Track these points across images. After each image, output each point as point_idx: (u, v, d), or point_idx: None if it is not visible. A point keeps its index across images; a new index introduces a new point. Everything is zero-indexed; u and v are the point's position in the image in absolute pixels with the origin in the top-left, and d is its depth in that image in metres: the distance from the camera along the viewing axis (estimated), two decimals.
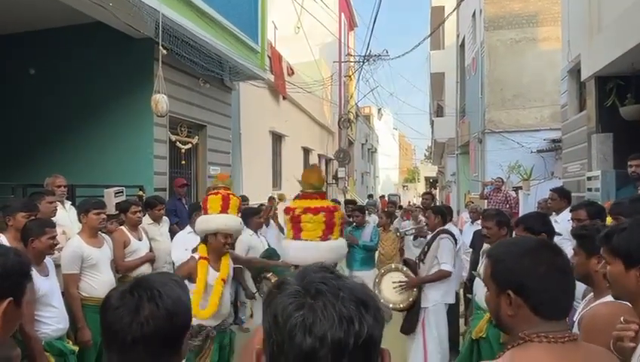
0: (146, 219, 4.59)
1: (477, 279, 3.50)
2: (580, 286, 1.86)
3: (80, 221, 3.67)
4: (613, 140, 6.40)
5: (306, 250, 2.19)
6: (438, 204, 10.45)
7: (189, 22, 5.86)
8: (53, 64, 6.33)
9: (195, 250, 4.12)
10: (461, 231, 6.14)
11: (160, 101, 5.19)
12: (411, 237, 6.18)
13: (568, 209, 4.09)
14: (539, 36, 12.68)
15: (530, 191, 9.59)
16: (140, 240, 4.19)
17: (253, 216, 4.94)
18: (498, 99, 12.97)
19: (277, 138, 11.74)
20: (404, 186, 51.68)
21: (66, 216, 4.14)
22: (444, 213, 4.39)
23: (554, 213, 4.41)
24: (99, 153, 6.16)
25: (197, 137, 7.34)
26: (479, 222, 5.18)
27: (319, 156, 16.39)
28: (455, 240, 4.20)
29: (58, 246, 3.17)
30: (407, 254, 6.04)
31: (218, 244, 3.02)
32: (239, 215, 3.21)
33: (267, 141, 11.02)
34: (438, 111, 22.67)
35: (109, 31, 5.63)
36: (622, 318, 1.36)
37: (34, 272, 2.67)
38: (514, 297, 1.13)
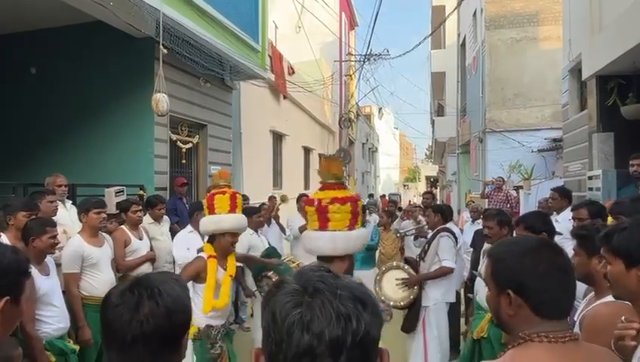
0: (147, 219, 4.59)
1: (478, 279, 3.50)
2: (581, 286, 1.86)
3: (80, 220, 3.67)
4: (615, 139, 6.40)
5: (336, 240, 2.19)
6: (438, 203, 10.45)
7: (189, 21, 5.85)
8: (53, 63, 6.34)
9: (200, 250, 4.14)
10: (462, 230, 6.13)
11: (160, 100, 5.19)
12: (412, 237, 6.18)
13: (569, 208, 4.09)
14: (540, 35, 12.67)
15: (530, 190, 9.59)
16: (140, 239, 4.19)
17: (253, 215, 4.94)
18: (499, 99, 12.95)
19: (277, 137, 11.74)
20: (404, 186, 51.68)
21: (66, 216, 4.14)
22: (444, 212, 4.39)
23: (555, 213, 4.40)
24: (99, 152, 6.16)
25: (197, 136, 7.34)
26: (480, 221, 5.17)
27: (320, 155, 16.38)
28: (455, 238, 4.19)
29: (59, 246, 3.17)
30: (407, 254, 6.04)
31: (226, 244, 3.05)
32: None
33: (268, 140, 11.02)
34: (439, 111, 22.65)
35: (110, 30, 5.63)
36: (623, 318, 1.36)
37: (35, 271, 2.67)
38: (514, 297, 1.13)
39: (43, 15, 5.81)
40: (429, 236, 4.47)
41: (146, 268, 4.06)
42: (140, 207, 4.35)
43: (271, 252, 3.81)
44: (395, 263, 4.28)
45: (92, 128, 6.23)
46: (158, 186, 6.19)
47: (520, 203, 9.28)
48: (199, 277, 2.95)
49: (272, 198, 7.31)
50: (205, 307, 2.89)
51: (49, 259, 3.05)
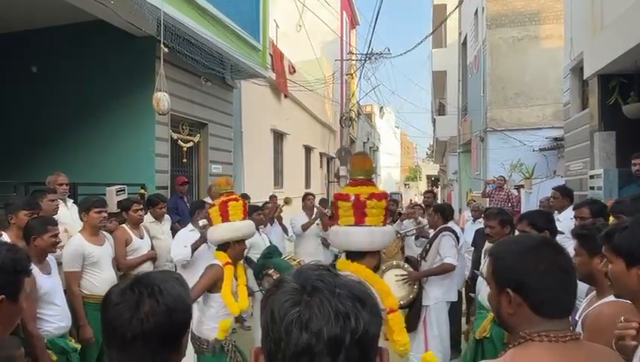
0: (148, 217, 4.60)
1: (480, 278, 3.49)
2: (583, 285, 1.86)
3: (81, 219, 3.68)
4: (616, 138, 6.39)
5: (373, 235, 2.22)
6: (439, 202, 10.43)
7: (190, 20, 5.85)
8: (54, 62, 6.34)
9: (195, 247, 4.12)
10: (463, 229, 6.13)
11: (161, 99, 5.19)
12: (413, 237, 6.17)
13: (571, 207, 4.09)
14: (541, 34, 12.64)
15: (532, 189, 9.58)
16: (141, 238, 4.19)
17: (254, 213, 4.94)
18: (500, 98, 12.94)
19: (278, 136, 11.73)
20: (405, 185, 51.63)
21: (67, 214, 4.15)
22: (445, 211, 4.39)
23: (556, 212, 4.40)
24: (100, 151, 6.17)
25: (198, 135, 7.34)
26: (481, 220, 5.17)
27: (321, 154, 16.37)
28: (457, 237, 4.19)
29: (60, 245, 3.18)
30: (409, 253, 6.04)
31: (240, 251, 3.07)
32: None
33: (268, 139, 11.01)
34: (440, 110, 22.63)
35: (111, 29, 5.63)
36: (622, 317, 1.36)
37: (36, 270, 2.68)
38: (513, 295, 1.13)
39: (44, 14, 5.81)
40: (430, 235, 4.47)
41: (147, 267, 4.06)
42: (141, 206, 4.35)
43: (272, 250, 3.80)
44: (395, 262, 4.27)
45: (93, 127, 6.23)
46: (159, 185, 6.20)
47: (521, 202, 9.27)
48: (215, 286, 2.91)
49: (273, 197, 7.31)
50: (234, 310, 2.85)
51: (50, 258, 3.05)
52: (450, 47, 19.94)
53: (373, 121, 30.30)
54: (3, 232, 3.21)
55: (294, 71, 11.83)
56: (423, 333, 4.01)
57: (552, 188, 4.88)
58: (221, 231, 3.04)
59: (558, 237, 2.89)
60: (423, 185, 45.04)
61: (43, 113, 6.39)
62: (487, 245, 3.57)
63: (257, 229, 4.97)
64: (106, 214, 3.70)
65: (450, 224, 4.36)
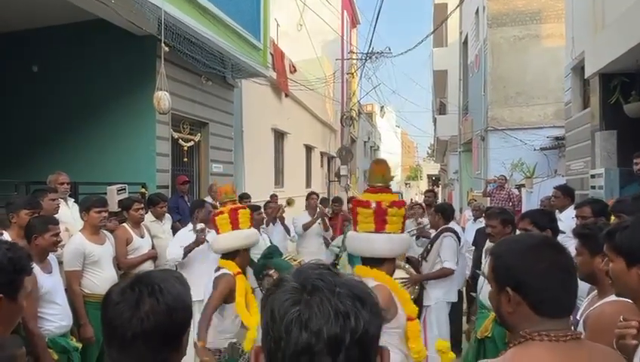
0: (149, 217, 4.60)
1: (481, 277, 3.49)
2: (585, 284, 1.85)
3: (82, 218, 3.68)
4: (617, 138, 6.37)
5: (393, 242, 2.27)
6: (440, 201, 10.42)
7: (191, 19, 5.85)
8: (55, 62, 6.34)
9: (189, 250, 4.09)
10: (464, 228, 6.13)
11: (162, 98, 5.19)
12: (414, 237, 6.16)
13: (572, 207, 4.08)
14: (542, 33, 12.62)
15: (533, 188, 9.57)
16: (142, 237, 4.19)
17: (254, 212, 4.94)
18: (501, 97, 12.92)
19: (279, 135, 11.73)
20: (406, 184, 51.59)
21: (68, 213, 4.15)
22: (446, 211, 4.38)
23: (557, 211, 4.39)
24: (101, 151, 6.17)
25: (199, 135, 7.35)
26: (482, 219, 5.16)
27: (321, 154, 16.37)
28: (459, 238, 4.18)
29: (61, 244, 3.18)
30: (410, 253, 6.03)
31: (247, 259, 3.07)
32: None
33: (269, 138, 11.01)
34: (441, 109, 22.60)
35: (111, 28, 5.63)
36: (621, 317, 1.36)
37: (37, 269, 2.68)
38: (512, 294, 1.13)
39: (44, 13, 5.81)
40: (431, 235, 4.46)
41: (147, 266, 4.06)
42: (142, 205, 4.35)
43: (272, 250, 3.81)
44: (395, 262, 4.27)
45: (94, 126, 6.23)
46: (160, 184, 6.20)
47: (522, 201, 9.26)
48: (229, 296, 2.87)
49: (273, 196, 7.31)
50: (250, 322, 2.77)
51: (52, 257, 3.06)
52: (451, 46, 19.92)
53: (373, 120, 30.29)
54: (4, 231, 3.21)
55: (295, 70, 11.82)
56: (423, 334, 4.01)
57: (554, 188, 4.88)
58: (231, 239, 3.00)
59: (560, 237, 2.89)
60: (423, 185, 45.01)
61: (43, 112, 6.39)
62: (488, 244, 3.57)
63: (258, 229, 4.98)
64: (106, 214, 3.70)
65: (451, 224, 4.35)
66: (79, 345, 3.11)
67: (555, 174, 10.44)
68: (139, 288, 1.00)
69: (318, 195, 6.62)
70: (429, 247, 4.18)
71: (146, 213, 4.51)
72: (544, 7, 12.60)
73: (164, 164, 6.37)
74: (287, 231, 6.03)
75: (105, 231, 3.79)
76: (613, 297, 1.59)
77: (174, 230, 4.83)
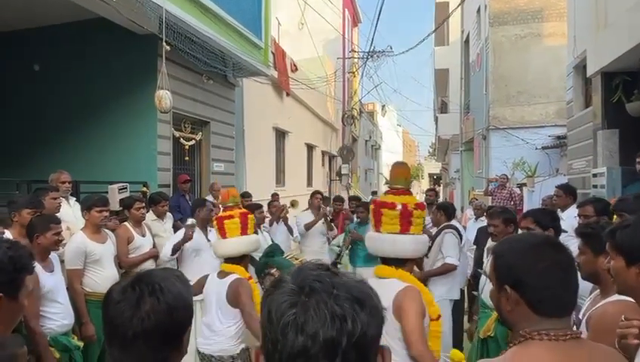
0: (150, 216, 4.60)
1: (483, 276, 3.49)
2: (586, 284, 1.84)
3: (83, 217, 3.68)
4: (619, 137, 6.36)
5: (417, 243, 2.33)
6: (441, 200, 10.40)
7: (192, 18, 5.85)
8: (55, 61, 6.33)
9: (177, 248, 4.06)
10: (465, 227, 6.12)
11: (163, 97, 5.19)
12: None
13: (574, 206, 4.07)
14: (544, 32, 12.59)
15: (534, 187, 9.55)
16: (143, 236, 4.20)
17: (255, 211, 4.94)
18: (503, 96, 12.90)
19: (280, 134, 11.73)
20: None
21: (70, 212, 4.16)
22: (448, 209, 4.38)
23: (559, 210, 4.38)
24: (103, 150, 6.17)
25: (200, 133, 7.35)
26: (483, 218, 5.16)
27: (323, 153, 16.36)
28: (460, 235, 4.18)
29: (62, 242, 3.18)
30: None
31: (248, 263, 3.08)
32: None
33: (270, 137, 11.01)
34: (443, 108, 22.57)
35: (113, 27, 5.62)
36: (623, 316, 1.35)
37: (39, 268, 2.68)
38: (511, 292, 1.13)
39: (45, 12, 5.80)
40: (433, 233, 4.46)
41: (148, 265, 4.06)
42: (143, 204, 4.35)
43: (274, 249, 3.80)
44: None
45: (95, 126, 6.24)
46: (161, 183, 6.20)
47: (524, 200, 9.25)
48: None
49: (275, 195, 7.31)
50: None
51: (53, 256, 3.06)
52: (453, 45, 19.88)
53: (375, 119, 30.26)
54: (6, 230, 3.22)
55: (296, 69, 11.82)
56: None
57: (556, 187, 4.86)
58: (241, 244, 2.98)
59: (562, 236, 2.88)
60: (425, 184, 44.95)
61: (44, 112, 6.39)
62: (490, 243, 3.56)
63: (259, 227, 4.98)
64: (107, 213, 3.71)
65: (453, 222, 4.35)
66: (81, 344, 3.12)
67: (556, 173, 10.43)
68: (140, 287, 1.00)
69: (322, 194, 6.60)
70: (430, 244, 4.18)
71: (148, 211, 4.52)
72: (546, 5, 12.56)
73: (165, 163, 6.37)
74: (291, 231, 6.03)
75: (106, 230, 3.79)
76: (616, 297, 1.59)
77: (175, 229, 4.84)
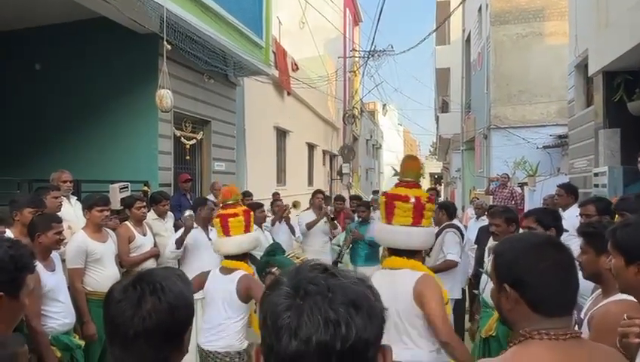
0: (151, 215, 4.61)
1: (484, 276, 3.48)
2: (588, 283, 1.84)
3: (84, 216, 3.69)
4: (621, 136, 6.35)
5: (428, 235, 2.39)
6: (442, 200, 10.40)
7: (193, 17, 5.84)
8: (56, 60, 6.34)
9: (179, 243, 4.08)
10: (466, 227, 6.11)
11: (164, 96, 5.19)
12: None
13: (576, 205, 4.07)
14: (545, 31, 12.57)
15: (535, 187, 9.54)
16: (144, 235, 4.20)
17: (257, 210, 4.94)
18: (504, 95, 12.88)
19: (281, 134, 11.73)
20: None
21: (71, 211, 4.16)
22: (449, 208, 4.38)
23: (560, 209, 4.37)
24: (103, 149, 6.18)
25: (201, 133, 7.35)
26: (484, 218, 5.15)
27: (324, 152, 16.36)
28: (461, 234, 4.18)
29: (64, 241, 3.19)
30: None
31: (247, 259, 3.10)
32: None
33: (271, 137, 11.01)
34: (444, 107, 22.55)
35: (113, 26, 5.63)
36: (625, 315, 1.35)
37: (40, 267, 2.68)
38: (510, 291, 1.13)
39: (46, 11, 5.81)
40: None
41: (150, 264, 4.07)
42: (144, 203, 4.36)
43: (275, 248, 3.80)
44: None
45: (96, 125, 6.24)
46: (162, 182, 6.21)
47: (525, 199, 9.24)
48: (247, 297, 2.88)
49: (276, 194, 7.31)
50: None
51: (55, 255, 3.06)
52: (454, 44, 19.86)
53: (376, 118, 30.24)
54: (7, 229, 3.22)
55: (297, 68, 11.81)
56: None
57: (557, 186, 4.85)
58: (245, 242, 2.99)
59: (563, 235, 2.87)
60: (426, 183, 44.91)
61: (45, 111, 6.39)
62: (491, 242, 3.55)
63: (260, 226, 4.98)
64: (108, 212, 3.71)
65: (454, 221, 4.35)
66: (82, 343, 3.12)
67: (558, 172, 10.41)
68: (141, 286, 1.00)
69: (323, 194, 6.59)
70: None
71: (149, 211, 4.52)
72: (547, 4, 12.54)
73: (166, 162, 6.38)
74: (293, 230, 6.03)
75: (107, 229, 3.79)
76: (618, 296, 1.59)
77: (176, 228, 4.84)
